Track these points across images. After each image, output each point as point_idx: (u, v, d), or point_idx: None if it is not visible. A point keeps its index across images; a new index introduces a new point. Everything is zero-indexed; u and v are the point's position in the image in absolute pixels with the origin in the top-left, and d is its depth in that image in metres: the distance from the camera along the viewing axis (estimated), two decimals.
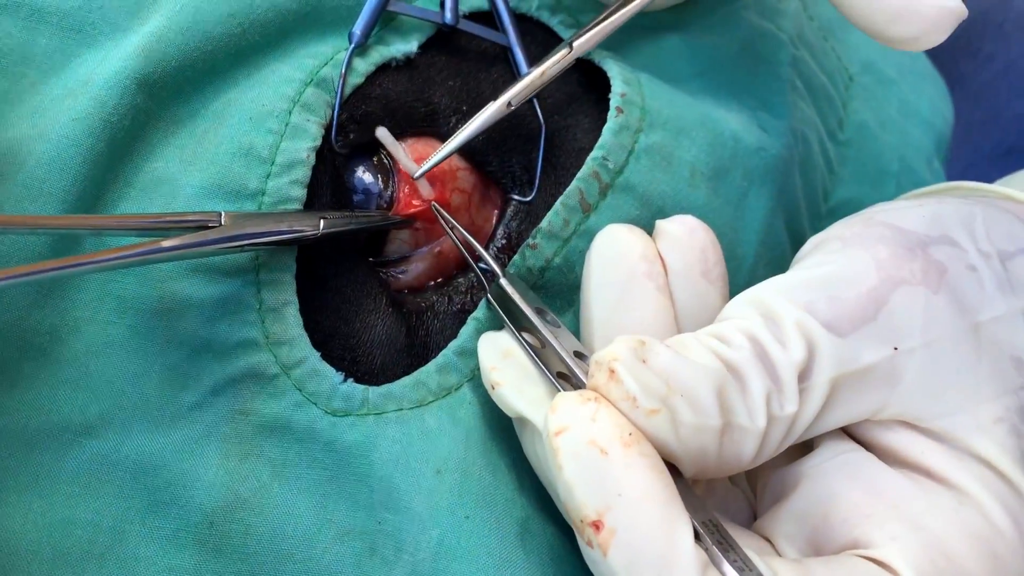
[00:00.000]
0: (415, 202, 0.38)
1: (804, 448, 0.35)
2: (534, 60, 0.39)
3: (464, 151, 0.39)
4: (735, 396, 0.30)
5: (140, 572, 0.33)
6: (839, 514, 0.31)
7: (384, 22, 0.38)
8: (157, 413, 0.33)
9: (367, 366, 0.36)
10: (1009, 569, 0.30)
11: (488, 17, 0.40)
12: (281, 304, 0.34)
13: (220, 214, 0.32)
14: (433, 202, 0.37)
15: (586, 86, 0.41)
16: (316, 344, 0.35)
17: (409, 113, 0.38)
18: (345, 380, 0.35)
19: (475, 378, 0.36)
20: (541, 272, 0.37)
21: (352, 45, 0.37)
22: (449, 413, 0.35)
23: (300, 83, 0.36)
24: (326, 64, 0.37)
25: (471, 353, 0.36)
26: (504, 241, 0.39)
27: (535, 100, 0.39)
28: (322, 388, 0.34)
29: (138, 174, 0.34)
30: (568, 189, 0.38)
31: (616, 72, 0.40)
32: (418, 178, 0.37)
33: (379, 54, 0.38)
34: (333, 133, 0.36)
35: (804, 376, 0.31)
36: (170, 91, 0.35)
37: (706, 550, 0.28)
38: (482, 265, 0.37)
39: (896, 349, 0.32)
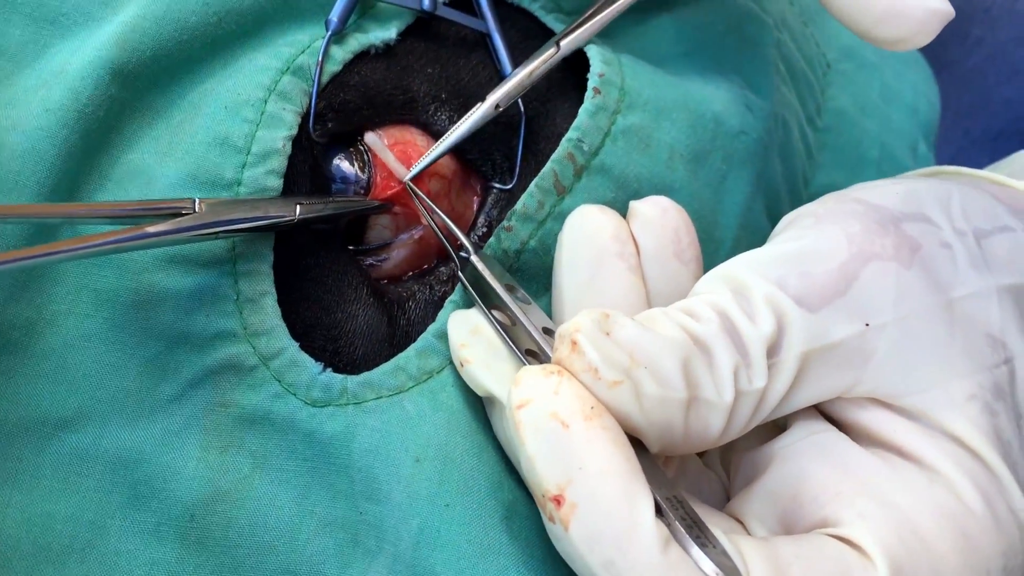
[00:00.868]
0: (392, 184, 0.37)
1: (777, 429, 0.35)
2: (514, 46, 0.39)
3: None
4: (701, 370, 0.30)
5: (122, 566, 0.33)
6: (809, 493, 0.31)
7: (362, 10, 0.38)
8: (136, 406, 0.33)
9: (349, 356, 0.36)
10: (979, 548, 0.30)
11: (467, 3, 0.40)
12: (259, 295, 0.34)
13: (194, 201, 0.32)
14: (408, 181, 0.37)
15: (566, 69, 0.41)
16: (297, 335, 0.35)
17: (388, 101, 0.38)
18: (324, 370, 0.34)
19: None
20: (517, 255, 0.37)
21: (329, 32, 0.37)
22: (430, 397, 0.35)
23: (276, 71, 0.36)
24: (303, 52, 0.36)
25: None
26: (485, 229, 0.39)
27: None
28: (301, 379, 0.34)
29: (114, 166, 0.34)
30: (542, 171, 0.37)
31: (596, 52, 0.40)
32: (407, 180, 0.37)
33: (357, 42, 0.37)
34: (311, 122, 0.36)
35: (774, 351, 0.31)
36: (146, 81, 0.34)
37: (668, 525, 0.28)
38: (461, 254, 0.37)
39: (867, 325, 0.31)
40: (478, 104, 0.37)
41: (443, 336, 0.36)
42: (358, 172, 0.38)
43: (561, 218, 0.37)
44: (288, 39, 0.37)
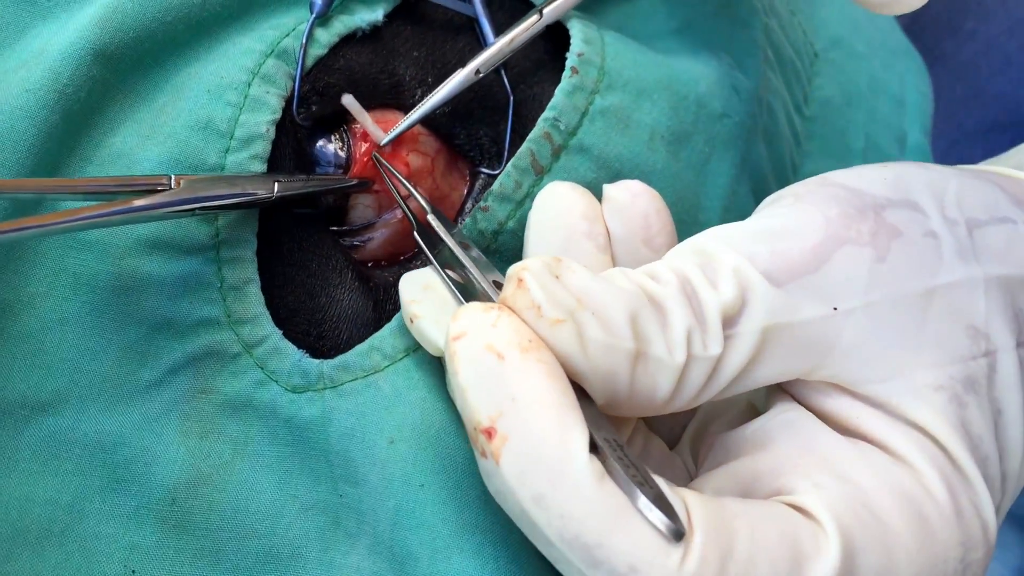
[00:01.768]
0: (372, 161, 0.37)
1: (752, 417, 0.34)
2: (501, 29, 0.38)
3: (431, 124, 0.39)
4: (652, 325, 0.29)
5: (101, 550, 0.32)
6: (767, 466, 0.31)
7: None
8: (115, 390, 0.33)
9: (333, 341, 0.36)
10: (937, 534, 0.29)
11: None
12: (243, 282, 0.34)
13: (171, 177, 0.32)
14: (374, 153, 0.37)
15: (553, 52, 0.41)
16: (281, 320, 0.35)
17: (373, 85, 0.38)
18: (303, 356, 0.34)
19: None
20: (494, 235, 0.37)
21: (313, 15, 0.36)
22: (405, 376, 0.34)
23: (260, 54, 0.35)
24: (288, 35, 0.36)
25: None
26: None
27: (503, 71, 0.39)
28: (283, 366, 0.34)
29: (96, 148, 0.33)
30: (519, 150, 0.37)
31: (578, 31, 0.39)
32: (384, 145, 0.36)
33: (343, 24, 0.37)
34: (295, 105, 0.36)
35: (734, 322, 0.30)
36: (128, 63, 0.34)
37: (604, 463, 0.27)
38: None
39: (835, 309, 0.31)
40: (458, 70, 0.37)
41: None
42: (337, 151, 0.37)
43: None
44: (273, 22, 0.36)
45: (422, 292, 0.34)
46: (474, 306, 0.29)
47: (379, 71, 0.38)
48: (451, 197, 0.39)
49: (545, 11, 0.38)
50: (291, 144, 0.36)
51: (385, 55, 0.38)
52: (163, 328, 0.33)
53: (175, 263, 0.33)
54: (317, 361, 0.34)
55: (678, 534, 0.26)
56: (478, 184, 0.39)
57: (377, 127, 0.37)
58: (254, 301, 0.34)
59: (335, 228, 0.38)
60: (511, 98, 0.39)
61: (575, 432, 0.27)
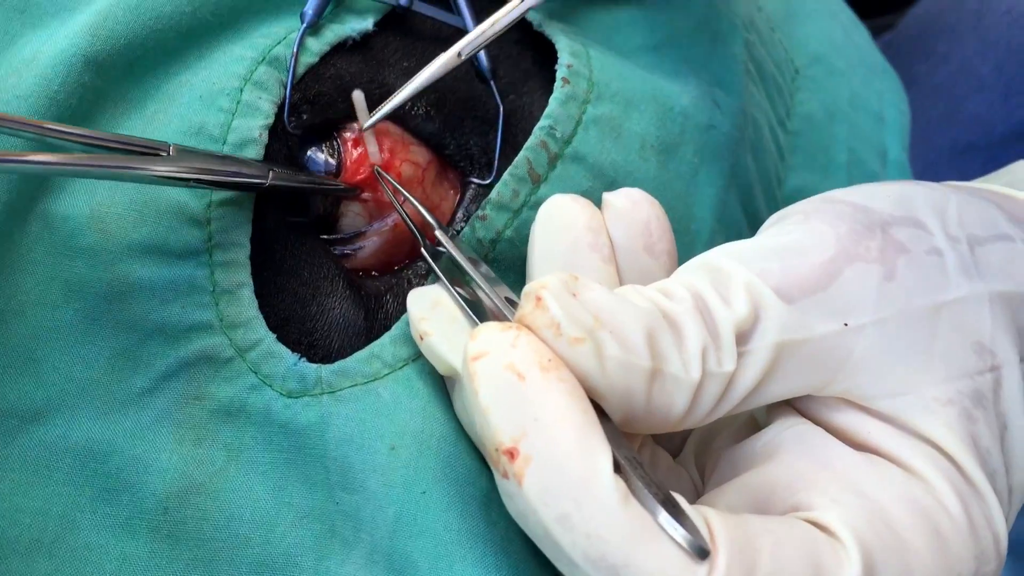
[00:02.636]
0: (362, 169, 0.37)
1: (755, 430, 0.34)
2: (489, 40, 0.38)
3: (420, 134, 0.39)
4: (668, 343, 0.29)
5: (92, 560, 0.32)
6: (783, 481, 0.31)
7: (338, 1, 0.38)
8: (106, 398, 0.32)
9: (324, 349, 0.35)
10: (952, 548, 0.29)
11: None
12: (236, 286, 0.34)
13: (169, 146, 0.32)
14: (375, 167, 0.37)
15: (540, 64, 0.41)
16: (272, 328, 0.34)
17: (364, 94, 0.38)
18: (299, 360, 0.34)
19: None
20: (492, 244, 0.37)
21: (304, 24, 0.36)
22: (405, 385, 0.34)
23: (252, 61, 0.35)
24: (279, 43, 0.36)
25: None
26: (463, 224, 0.39)
27: (492, 82, 0.39)
28: (277, 370, 0.34)
29: None
30: (516, 159, 0.37)
31: (564, 44, 0.40)
32: (367, 128, 0.36)
33: (334, 33, 0.37)
34: (286, 114, 0.36)
35: (747, 338, 0.30)
36: (119, 71, 0.34)
37: (627, 482, 0.27)
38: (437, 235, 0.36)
39: (846, 325, 0.31)
40: (441, 54, 0.37)
41: None
42: (328, 159, 0.37)
43: (537, 207, 0.36)
44: (264, 30, 0.36)
45: (431, 309, 0.34)
46: (491, 326, 0.29)
47: (369, 80, 0.38)
48: (441, 207, 0.39)
49: None
50: (283, 151, 0.36)
51: (375, 65, 0.38)
52: (155, 334, 0.33)
53: (167, 268, 0.33)
54: (315, 366, 0.34)
55: (703, 552, 0.26)
56: (468, 194, 0.39)
57: (368, 115, 0.37)
58: (247, 305, 0.34)
59: (326, 237, 0.37)
60: (500, 108, 0.39)
61: (599, 452, 0.27)
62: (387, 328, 0.36)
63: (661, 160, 0.40)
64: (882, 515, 0.29)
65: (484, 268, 0.34)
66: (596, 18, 0.43)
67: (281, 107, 0.35)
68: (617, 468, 0.27)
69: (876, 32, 0.75)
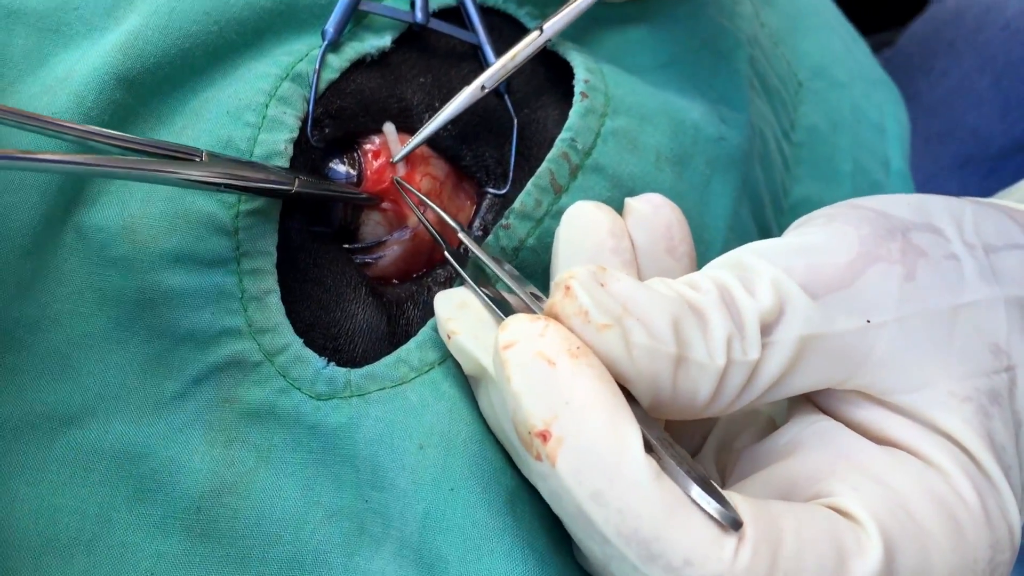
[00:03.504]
0: (381, 180, 0.38)
1: (771, 431, 0.35)
2: (502, 55, 0.40)
3: (438, 147, 0.40)
4: (694, 331, 0.30)
5: (128, 558, 0.33)
6: (804, 473, 0.32)
7: (356, 20, 0.39)
8: (140, 402, 0.33)
9: (349, 355, 0.36)
10: (968, 536, 0.30)
11: (457, 13, 0.41)
12: (263, 292, 0.35)
13: (201, 152, 0.33)
14: (395, 177, 0.38)
15: (553, 80, 0.42)
16: (298, 334, 0.35)
17: (383, 109, 0.39)
18: (328, 364, 0.35)
19: None
20: (515, 252, 0.38)
21: (325, 42, 0.38)
22: (432, 388, 0.35)
23: (276, 78, 0.37)
24: (301, 60, 0.37)
25: None
26: (480, 233, 0.40)
27: (506, 96, 0.40)
28: (306, 373, 0.35)
29: None
30: (539, 170, 0.39)
31: (579, 62, 0.41)
32: (397, 160, 0.38)
33: (353, 50, 0.39)
34: (309, 128, 0.37)
35: (771, 330, 0.31)
36: (149, 88, 0.35)
37: (659, 461, 0.28)
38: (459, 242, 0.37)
39: (868, 322, 0.32)
40: (465, 87, 0.38)
41: None
42: (349, 171, 0.38)
43: (559, 216, 0.38)
44: (286, 48, 0.38)
45: (458, 310, 0.35)
46: (521, 317, 0.30)
47: (388, 95, 0.39)
48: (458, 218, 0.40)
49: (545, 26, 0.39)
50: (307, 163, 0.37)
51: (393, 80, 0.39)
52: (186, 340, 0.34)
53: (197, 276, 0.34)
54: (344, 369, 0.35)
55: (736, 523, 0.27)
56: (484, 204, 0.41)
57: (400, 146, 0.38)
58: (275, 311, 0.35)
59: (348, 246, 0.39)
60: (515, 121, 0.40)
61: (629, 431, 0.28)
62: (409, 334, 0.37)
63: (676, 171, 0.41)
64: (901, 502, 0.30)
65: (508, 267, 0.35)
66: (606, 38, 0.44)
67: (304, 121, 0.37)
68: (648, 448, 0.28)
69: (876, 48, 0.77)
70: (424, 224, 0.38)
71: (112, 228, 0.33)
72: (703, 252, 0.41)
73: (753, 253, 0.33)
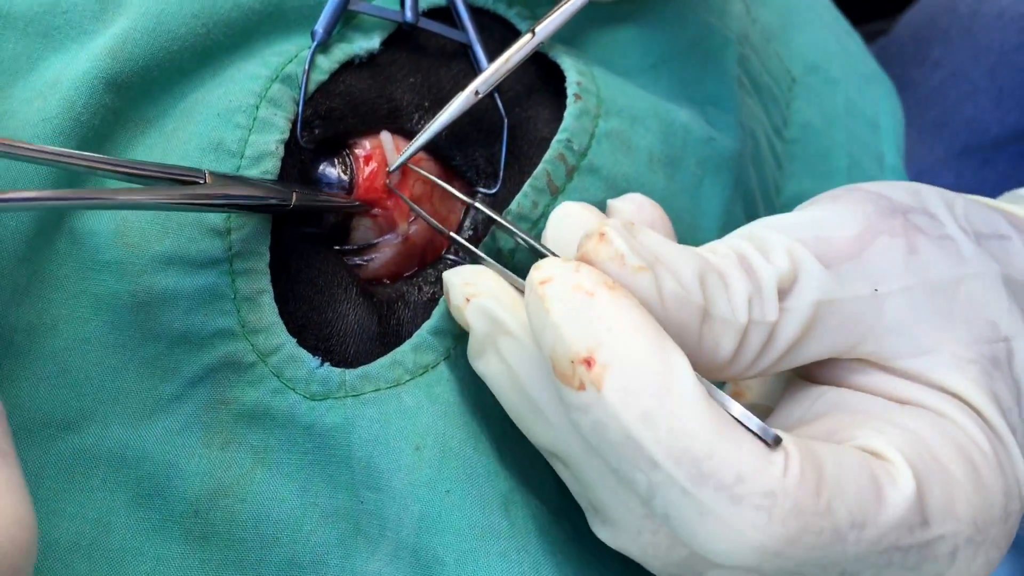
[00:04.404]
0: (373, 187, 0.38)
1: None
2: (493, 55, 0.40)
3: (428, 147, 0.40)
4: (718, 287, 0.31)
5: (128, 562, 0.33)
6: (825, 430, 0.32)
7: (345, 20, 0.39)
8: (137, 406, 0.34)
9: (340, 355, 0.36)
10: (985, 480, 0.31)
11: (447, 13, 0.41)
12: (256, 293, 0.35)
13: (204, 172, 0.33)
14: (388, 183, 0.38)
15: (543, 80, 0.42)
16: (290, 335, 0.36)
17: (373, 110, 0.39)
18: (322, 364, 0.35)
19: (451, 356, 0.37)
20: (511, 253, 0.38)
21: (315, 43, 0.38)
22: (426, 391, 0.35)
23: (266, 79, 0.37)
24: (291, 61, 0.37)
25: (445, 332, 0.36)
26: (471, 232, 0.40)
27: (496, 95, 0.40)
28: (300, 373, 0.35)
29: None
30: (536, 171, 0.39)
31: (570, 64, 0.41)
32: (393, 170, 0.38)
33: (342, 52, 0.39)
34: (298, 129, 0.37)
35: (786, 296, 0.32)
36: (138, 91, 0.35)
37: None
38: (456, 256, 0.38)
39: (876, 290, 0.33)
40: (459, 93, 0.38)
41: (438, 333, 0.36)
42: (340, 174, 0.39)
43: None
44: (275, 49, 0.38)
45: (473, 276, 0.35)
46: (553, 260, 0.30)
47: (377, 96, 0.39)
48: (449, 219, 0.40)
49: (537, 29, 0.39)
50: (296, 164, 0.37)
51: (383, 81, 0.39)
52: (180, 342, 0.34)
53: (190, 277, 0.34)
54: (339, 370, 0.35)
55: (776, 439, 0.28)
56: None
57: (396, 154, 0.38)
58: (268, 311, 0.35)
59: (339, 247, 0.39)
60: (505, 120, 0.40)
61: (675, 353, 0.28)
62: (399, 334, 0.37)
63: (668, 172, 0.41)
64: (925, 445, 0.31)
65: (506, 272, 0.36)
66: (595, 39, 0.44)
67: (295, 123, 0.37)
68: None
69: (870, 38, 0.77)
70: (423, 217, 0.38)
71: (104, 232, 0.33)
72: None
73: (766, 227, 0.34)
